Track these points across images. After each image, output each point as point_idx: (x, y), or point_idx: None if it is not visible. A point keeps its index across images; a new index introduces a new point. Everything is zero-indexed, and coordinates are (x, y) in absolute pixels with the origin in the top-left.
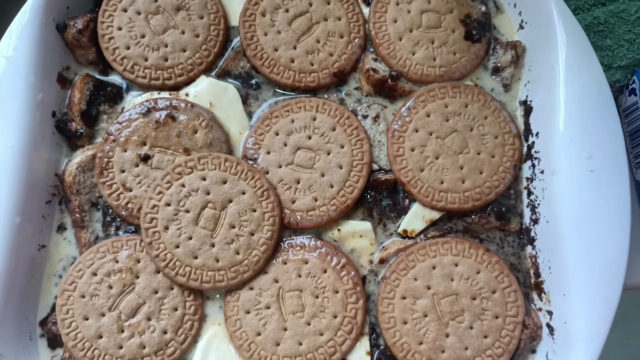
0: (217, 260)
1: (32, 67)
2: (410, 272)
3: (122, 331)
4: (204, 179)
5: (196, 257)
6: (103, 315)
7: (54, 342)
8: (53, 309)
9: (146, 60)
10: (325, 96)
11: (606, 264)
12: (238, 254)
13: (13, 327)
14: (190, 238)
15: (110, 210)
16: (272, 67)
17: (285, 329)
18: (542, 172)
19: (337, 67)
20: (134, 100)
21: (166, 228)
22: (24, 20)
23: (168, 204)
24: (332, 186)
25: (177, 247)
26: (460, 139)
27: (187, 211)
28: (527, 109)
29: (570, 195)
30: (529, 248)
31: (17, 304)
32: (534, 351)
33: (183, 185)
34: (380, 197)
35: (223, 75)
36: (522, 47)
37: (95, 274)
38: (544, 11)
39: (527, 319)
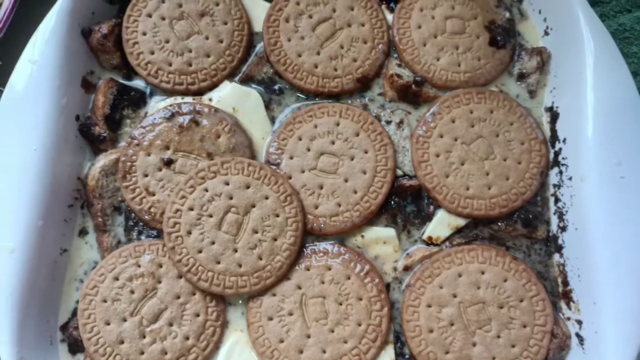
0: (240, 266)
1: (58, 72)
2: (435, 280)
3: (144, 337)
4: (227, 184)
5: (219, 262)
6: (125, 320)
7: (75, 347)
8: (74, 313)
9: (170, 65)
10: (349, 102)
11: (638, 271)
12: (261, 259)
13: (34, 331)
14: (213, 243)
15: (133, 214)
16: (296, 72)
17: (309, 336)
18: (570, 178)
19: (361, 73)
20: (157, 105)
21: (189, 233)
22: (50, 25)
23: (191, 209)
24: (355, 192)
25: (200, 252)
26: (486, 145)
27: (210, 216)
28: (554, 115)
29: (599, 201)
30: (556, 256)
31: (38, 307)
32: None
33: (206, 190)
34: (405, 204)
35: (246, 80)
36: (547, 53)
37: (117, 279)
38: (571, 17)
39: (555, 328)
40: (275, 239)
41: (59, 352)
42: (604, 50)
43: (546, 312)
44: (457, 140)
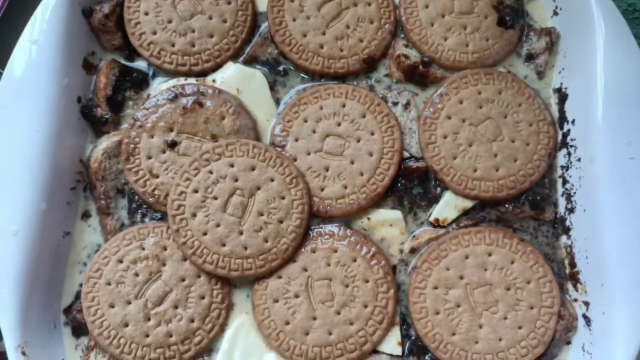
0: (245, 248)
1: (59, 52)
2: (442, 262)
3: (149, 319)
4: (232, 166)
5: (224, 245)
6: (129, 303)
7: (79, 330)
8: (77, 296)
9: (173, 45)
10: (355, 83)
11: None
12: (266, 242)
13: (37, 315)
14: (218, 225)
15: (136, 197)
16: (301, 53)
17: (315, 318)
18: (578, 160)
19: (367, 53)
20: (160, 87)
21: (194, 215)
22: (50, 4)
23: (195, 191)
24: (362, 174)
25: (205, 234)
26: (494, 126)
27: (215, 198)
28: (562, 96)
29: (609, 183)
30: (563, 238)
31: (41, 291)
32: (568, 342)
33: (211, 172)
34: (411, 186)
35: (250, 61)
36: (556, 33)
37: (121, 261)
38: None
39: (562, 309)
40: (281, 222)
41: (62, 335)
42: (614, 31)
43: (553, 294)
44: (464, 121)
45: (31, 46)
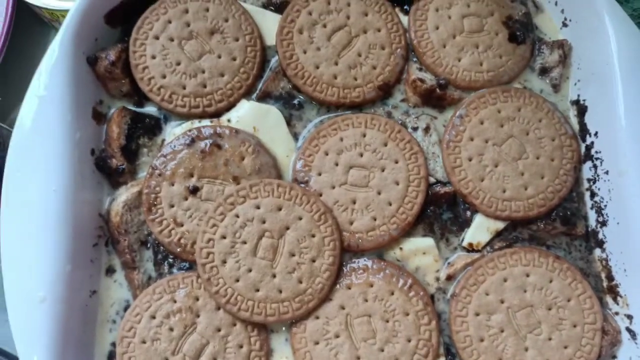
0: (280, 291)
1: (67, 105)
2: (481, 287)
3: None
4: (258, 207)
5: (258, 290)
6: (167, 359)
7: None
8: (109, 357)
9: (184, 88)
10: (372, 111)
11: None
12: (301, 282)
13: None
14: (250, 270)
15: (162, 247)
16: (315, 85)
17: (359, 358)
18: (606, 172)
19: (382, 80)
20: (174, 131)
21: (224, 262)
22: (54, 57)
23: (224, 237)
24: (390, 204)
25: (237, 280)
26: (518, 144)
27: (244, 242)
28: (581, 109)
29: None
30: (597, 251)
31: (73, 354)
32: (614, 357)
33: (237, 216)
34: (441, 211)
35: (264, 97)
36: (568, 45)
37: (154, 317)
38: (589, 6)
39: (605, 324)
40: (313, 260)
41: None
42: (627, 37)
43: (595, 310)
44: (488, 142)
45: (39, 101)
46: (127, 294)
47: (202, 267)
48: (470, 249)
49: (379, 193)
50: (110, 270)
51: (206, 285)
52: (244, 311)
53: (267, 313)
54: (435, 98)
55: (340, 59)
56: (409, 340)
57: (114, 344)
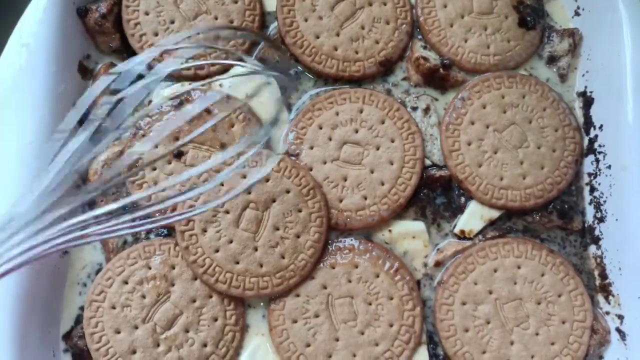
0: (261, 265)
1: (53, 56)
2: (469, 276)
3: (158, 345)
4: (244, 177)
5: (238, 262)
6: (136, 327)
7: (80, 357)
8: (77, 321)
9: None
10: (371, 87)
11: None
12: (283, 258)
13: (36, 344)
14: (231, 241)
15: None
16: (314, 55)
17: (337, 339)
18: (608, 167)
19: (384, 56)
20: (162, 92)
21: (204, 231)
22: (42, 4)
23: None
24: (382, 183)
25: (217, 251)
26: (519, 132)
27: (227, 212)
28: (588, 101)
29: None
30: (592, 248)
31: (39, 317)
32: (601, 357)
33: (222, 184)
34: (434, 195)
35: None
36: (579, 34)
37: (126, 283)
38: None
39: (595, 323)
40: (298, 236)
41: None
42: None
43: (585, 307)
44: (489, 127)
45: (22, 50)
46: (101, 257)
47: (181, 235)
48: (462, 236)
49: (372, 172)
50: None
51: (184, 253)
52: (222, 283)
53: (246, 287)
54: (438, 78)
55: (342, 30)
56: (391, 325)
57: (82, 308)
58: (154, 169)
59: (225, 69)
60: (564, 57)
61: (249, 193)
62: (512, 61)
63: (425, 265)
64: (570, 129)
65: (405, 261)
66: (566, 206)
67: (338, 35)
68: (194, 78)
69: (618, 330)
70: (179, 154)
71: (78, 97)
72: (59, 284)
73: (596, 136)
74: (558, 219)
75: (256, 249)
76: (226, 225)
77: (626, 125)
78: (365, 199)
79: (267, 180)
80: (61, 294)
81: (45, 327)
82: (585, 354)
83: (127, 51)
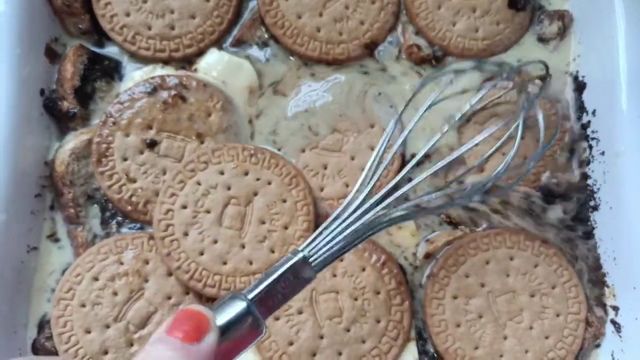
0: (251, 263)
1: (17, 37)
2: (460, 269)
3: (132, 345)
4: (222, 173)
5: (225, 263)
6: (108, 326)
7: None
8: (46, 321)
9: (150, 29)
10: (359, 66)
11: None
12: (273, 252)
13: (1, 344)
14: (216, 241)
15: (110, 204)
16: (295, 37)
17: (322, 337)
18: (602, 153)
19: (369, 38)
20: (133, 75)
21: (185, 234)
22: None
23: (184, 206)
24: (363, 170)
25: (202, 254)
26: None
27: (208, 211)
28: (580, 85)
29: (639, 177)
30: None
31: (4, 316)
32: (597, 346)
33: (199, 183)
34: None
35: (237, 45)
36: (569, 16)
37: (96, 279)
38: None
39: (589, 315)
40: (286, 227)
41: None
42: (636, 14)
43: (579, 299)
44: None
45: None
46: (71, 255)
47: (161, 241)
48: (449, 220)
49: (353, 158)
50: (53, 234)
51: (166, 261)
52: (210, 287)
53: (237, 288)
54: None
55: (326, 10)
56: (378, 321)
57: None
58: (125, 158)
59: (202, 51)
60: (552, 40)
61: (229, 189)
62: (501, 45)
63: (414, 256)
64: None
65: (392, 253)
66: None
67: (321, 15)
68: (169, 60)
69: (613, 321)
70: (152, 144)
71: (45, 82)
72: (26, 282)
73: (589, 122)
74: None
75: (243, 246)
76: (208, 225)
77: (619, 111)
78: (347, 186)
79: (247, 174)
80: (29, 293)
81: (11, 327)
82: (581, 347)
83: (97, 33)
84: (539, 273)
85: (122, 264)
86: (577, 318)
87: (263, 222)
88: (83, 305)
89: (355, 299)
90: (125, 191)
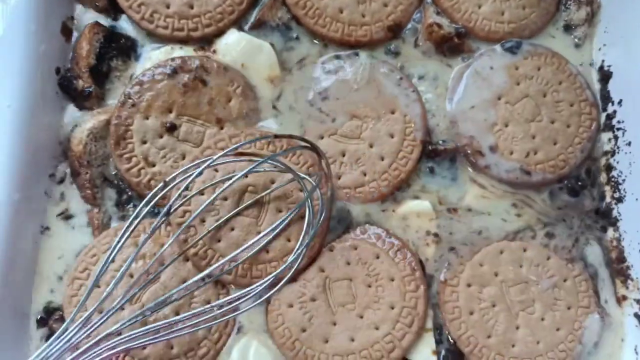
0: (267, 251)
1: (33, 14)
2: (475, 257)
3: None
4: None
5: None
6: (123, 309)
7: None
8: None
9: (168, 7)
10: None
11: None
12: (289, 240)
13: (10, 327)
14: (233, 229)
15: (127, 187)
16: (317, 17)
17: (335, 324)
18: (628, 144)
19: (393, 20)
20: (150, 55)
21: (203, 221)
22: None
23: (202, 193)
24: (382, 158)
25: (219, 241)
26: (532, 105)
27: (225, 199)
28: (605, 75)
29: None
30: (609, 230)
31: (15, 297)
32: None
33: (216, 170)
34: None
35: (258, 26)
36: (597, 3)
37: (112, 261)
38: None
39: (599, 310)
40: (302, 217)
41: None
42: None
43: (589, 293)
44: (500, 98)
45: (1, 7)
46: (85, 236)
47: (178, 227)
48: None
49: (371, 146)
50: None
51: (183, 247)
52: (227, 274)
53: (253, 275)
54: (451, 47)
55: None
56: (392, 308)
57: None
58: (144, 142)
59: (221, 31)
60: (579, 27)
61: (247, 176)
62: (527, 29)
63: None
64: (587, 105)
65: (409, 240)
66: (579, 183)
67: None
68: (187, 40)
69: (637, 315)
70: (171, 127)
71: (61, 61)
72: (39, 262)
73: (614, 112)
74: (569, 197)
75: (259, 234)
76: (225, 213)
77: None
78: (365, 175)
79: None
80: (41, 273)
81: (20, 307)
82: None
83: (114, 10)
84: (551, 265)
85: (138, 246)
86: (587, 312)
87: (280, 211)
88: (98, 286)
89: (369, 286)
90: (143, 175)
